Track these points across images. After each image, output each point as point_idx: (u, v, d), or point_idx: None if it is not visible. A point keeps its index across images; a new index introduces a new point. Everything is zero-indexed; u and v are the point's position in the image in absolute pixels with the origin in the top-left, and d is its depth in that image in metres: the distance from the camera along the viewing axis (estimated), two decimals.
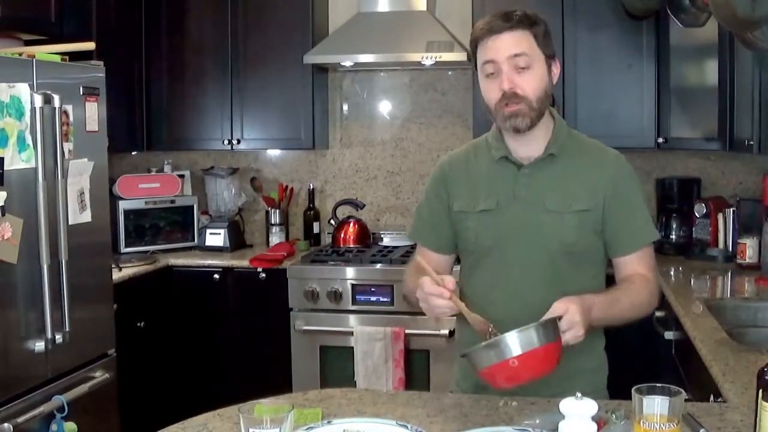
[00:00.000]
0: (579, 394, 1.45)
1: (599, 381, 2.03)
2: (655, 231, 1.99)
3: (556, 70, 1.92)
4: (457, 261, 2.14)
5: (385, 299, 3.78)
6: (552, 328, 1.64)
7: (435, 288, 1.75)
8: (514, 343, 1.59)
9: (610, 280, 1.99)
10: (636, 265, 1.94)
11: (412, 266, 2.06)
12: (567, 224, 1.90)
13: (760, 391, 1.37)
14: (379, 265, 3.87)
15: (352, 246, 4.19)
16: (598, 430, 1.47)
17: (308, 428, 1.64)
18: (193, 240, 4.42)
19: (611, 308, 1.84)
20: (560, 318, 1.66)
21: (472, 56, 1.95)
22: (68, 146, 2.91)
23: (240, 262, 4.11)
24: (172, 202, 4.41)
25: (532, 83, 1.86)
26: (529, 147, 1.94)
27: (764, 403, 1.36)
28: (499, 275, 1.95)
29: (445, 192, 2.03)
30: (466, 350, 1.66)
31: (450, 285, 1.75)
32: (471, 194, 1.98)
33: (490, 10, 3.78)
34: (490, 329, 1.73)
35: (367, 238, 4.27)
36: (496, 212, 1.94)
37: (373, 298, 3.81)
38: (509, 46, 1.84)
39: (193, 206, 4.46)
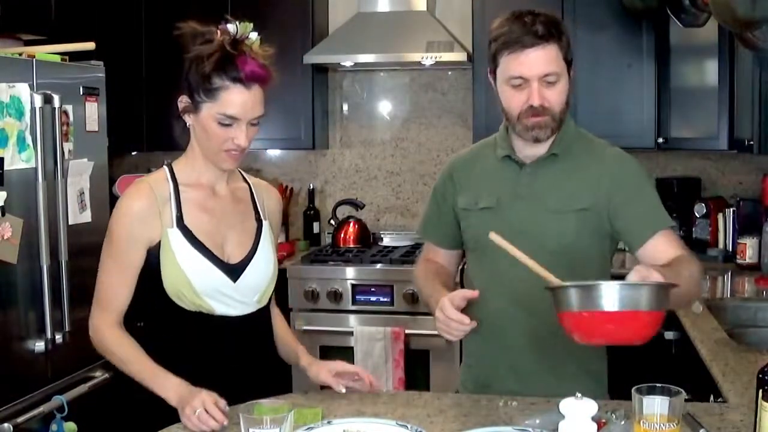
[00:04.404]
0: (579, 394, 1.45)
1: (601, 382, 2.02)
2: (668, 217, 1.94)
3: (573, 73, 1.90)
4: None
5: (385, 299, 3.78)
6: (664, 294, 1.47)
7: (457, 315, 1.76)
8: (613, 297, 1.45)
9: None
10: (667, 248, 1.86)
11: (423, 264, 2.11)
12: (566, 224, 1.89)
13: (760, 391, 1.37)
14: (379, 265, 3.86)
15: (352, 246, 4.19)
16: (598, 430, 1.47)
17: (308, 428, 1.64)
18: None
19: (677, 280, 1.64)
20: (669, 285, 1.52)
21: (490, 59, 1.88)
22: (68, 146, 2.91)
23: None
24: None
25: (558, 96, 1.84)
26: (535, 147, 1.94)
27: (764, 403, 1.36)
28: (498, 272, 1.94)
29: (452, 190, 2.05)
30: (556, 284, 1.55)
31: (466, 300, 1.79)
32: (474, 192, 1.99)
33: (489, 10, 3.87)
34: None
35: (367, 238, 4.27)
36: (497, 210, 1.94)
37: (373, 298, 3.80)
38: (542, 64, 1.80)
39: None
